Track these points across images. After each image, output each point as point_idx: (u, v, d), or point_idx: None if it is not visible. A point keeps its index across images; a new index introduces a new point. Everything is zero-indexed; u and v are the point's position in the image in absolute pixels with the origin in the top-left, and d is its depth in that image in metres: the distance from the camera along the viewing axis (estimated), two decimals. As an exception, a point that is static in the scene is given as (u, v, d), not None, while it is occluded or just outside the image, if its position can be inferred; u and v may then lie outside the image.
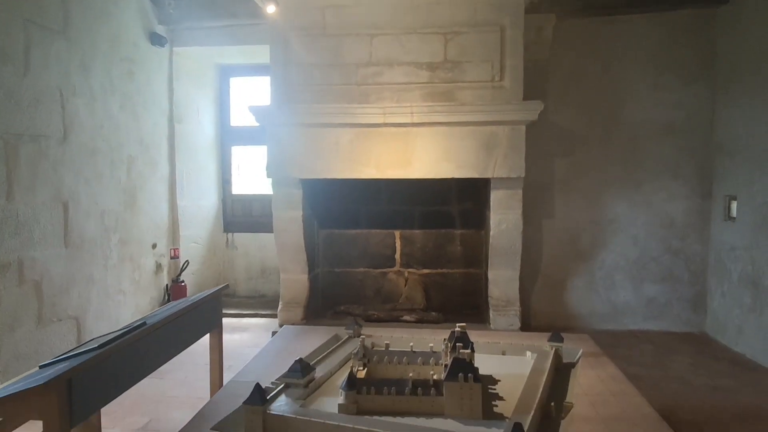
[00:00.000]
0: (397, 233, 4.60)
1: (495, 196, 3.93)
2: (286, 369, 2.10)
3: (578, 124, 4.32)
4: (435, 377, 2.00)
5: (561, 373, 2.21)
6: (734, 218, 3.87)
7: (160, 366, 2.13)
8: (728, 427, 2.59)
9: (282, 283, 4.30)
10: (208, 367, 2.77)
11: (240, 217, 5.48)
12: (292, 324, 4.21)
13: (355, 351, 2.08)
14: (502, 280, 4.12)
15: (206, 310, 2.48)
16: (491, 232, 3.99)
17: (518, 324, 4.05)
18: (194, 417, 1.76)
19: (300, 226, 4.14)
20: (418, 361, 2.05)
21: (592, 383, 2.02)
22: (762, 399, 2.96)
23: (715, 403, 2.90)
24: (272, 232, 4.20)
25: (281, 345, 2.48)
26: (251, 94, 5.61)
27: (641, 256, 4.28)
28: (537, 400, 1.80)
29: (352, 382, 1.77)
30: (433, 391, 1.77)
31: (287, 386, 1.90)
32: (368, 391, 1.78)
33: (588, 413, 1.76)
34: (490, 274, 4.13)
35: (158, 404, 2.89)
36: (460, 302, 4.56)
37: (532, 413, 1.71)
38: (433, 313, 4.26)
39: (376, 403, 1.77)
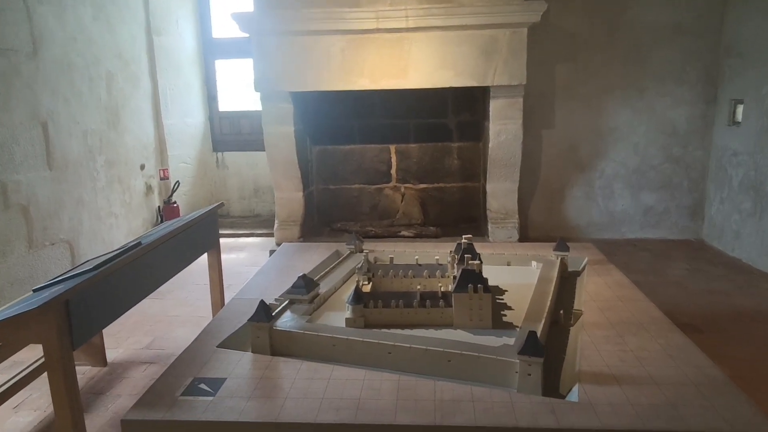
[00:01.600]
0: (392, 148, 4.47)
1: (494, 106, 3.78)
2: (288, 286, 2.05)
3: (581, 27, 4.09)
4: (442, 289, 1.97)
5: (567, 281, 2.20)
6: (739, 123, 3.77)
7: (159, 286, 2.08)
8: (725, 329, 2.63)
9: (276, 201, 4.22)
10: (208, 286, 2.74)
11: (229, 135, 5.30)
12: (289, 242, 4.19)
13: (359, 266, 2.03)
14: (501, 192, 4.06)
15: (203, 229, 2.40)
16: (490, 144, 3.88)
17: (517, 236, 4.04)
18: (199, 335, 1.73)
19: (292, 142, 3.99)
20: (424, 274, 2.01)
21: (599, 290, 2.00)
22: (757, 301, 3.00)
23: (712, 306, 2.93)
24: (263, 150, 4.07)
25: (281, 262, 2.43)
26: (233, 2, 5.25)
27: (641, 164, 4.21)
28: (547, 309, 1.78)
29: (358, 296, 1.73)
30: (441, 302, 1.74)
31: (291, 302, 1.86)
32: (375, 304, 1.74)
33: (598, 319, 1.75)
34: (489, 187, 4.06)
35: (160, 323, 2.88)
36: (458, 216, 4.52)
37: (543, 321, 1.69)
38: (431, 228, 4.23)
39: (384, 317, 1.74)
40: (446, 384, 1.41)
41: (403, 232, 4.22)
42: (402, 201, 4.52)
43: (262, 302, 1.66)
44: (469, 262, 1.74)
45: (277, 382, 1.45)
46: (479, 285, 1.70)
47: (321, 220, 4.56)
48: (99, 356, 2.44)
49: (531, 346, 1.41)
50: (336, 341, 1.61)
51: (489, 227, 4.06)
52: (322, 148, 4.48)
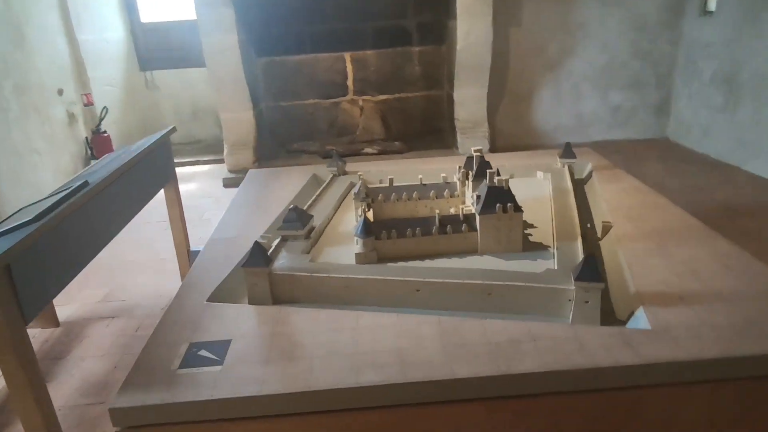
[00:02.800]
0: (347, 56, 4.06)
1: (462, 1, 3.43)
2: (268, 220, 1.77)
3: None
4: (453, 211, 1.74)
5: (577, 191, 2.02)
6: (711, 12, 3.61)
7: (116, 233, 1.74)
8: (723, 226, 2.59)
9: (223, 124, 3.79)
10: (165, 225, 2.40)
11: (157, 51, 4.66)
12: (243, 168, 3.81)
13: (356, 191, 1.75)
14: (469, 99, 3.81)
15: (157, 160, 2.03)
16: (458, 46, 3.56)
17: (488, 146, 3.84)
18: (180, 289, 1.44)
19: (237, 54, 3.52)
20: (431, 194, 1.77)
21: (618, 198, 1.83)
22: (740, 195, 2.99)
23: (700, 204, 2.89)
24: (199, 66, 3.57)
25: (253, 192, 2.11)
26: None
27: (610, 62, 4.04)
28: (578, 224, 1.60)
29: (368, 227, 1.48)
30: (464, 227, 1.51)
31: (284, 240, 1.58)
32: (389, 235, 1.50)
33: (629, 231, 1.59)
34: (456, 95, 3.79)
35: (116, 271, 2.54)
36: (422, 128, 4.26)
37: (579, 239, 1.51)
38: (396, 143, 3.95)
39: (399, 248, 1.51)
40: (494, 323, 1.21)
41: (367, 150, 3.93)
42: (361, 115, 4.19)
43: (257, 243, 1.38)
44: (496, 178, 1.50)
45: (295, 339, 1.20)
46: (509, 204, 1.48)
47: (275, 141, 4.17)
48: (48, 316, 2.10)
49: (589, 270, 1.22)
50: (350, 282, 1.37)
51: (458, 138, 3.83)
52: (268, 60, 4.01)
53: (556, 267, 1.38)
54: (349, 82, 4.12)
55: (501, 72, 4.02)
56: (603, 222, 1.66)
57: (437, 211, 1.55)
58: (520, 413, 1.08)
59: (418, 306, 1.34)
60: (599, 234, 1.66)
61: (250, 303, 1.40)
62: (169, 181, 2.15)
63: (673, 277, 1.33)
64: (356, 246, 1.49)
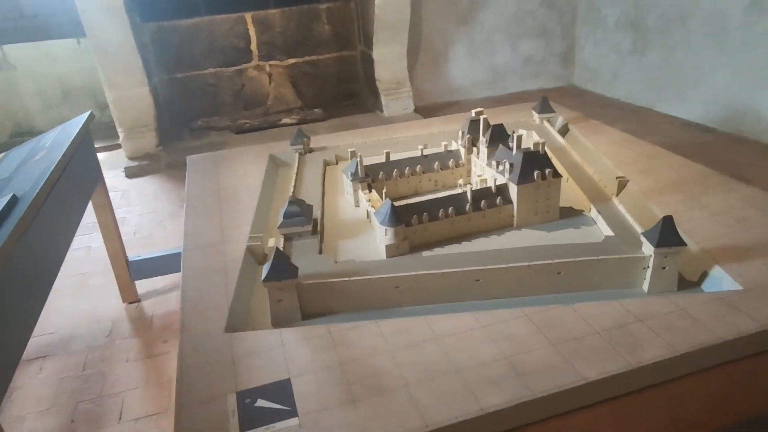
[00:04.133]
0: (248, 17, 3.64)
1: (378, -48, 3.18)
2: (245, 218, 1.49)
3: None
4: (461, 183, 1.58)
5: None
6: (611, -42, 3.70)
7: (60, 266, 1.34)
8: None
9: (113, 104, 3.23)
10: (88, 236, 1.97)
11: (6, 21, 3.84)
12: (146, 154, 3.31)
13: (351, 170, 1.52)
14: (390, 58, 3.60)
15: (84, 157, 1.60)
16: (376, 1, 3.31)
17: (412, 106, 3.69)
18: (183, 322, 1.13)
19: (124, 19, 2.99)
20: (435, 166, 1.58)
21: (615, 151, 1.78)
22: (666, 136, 3.14)
23: (634, 148, 2.98)
24: (64, 38, 2.99)
25: (207, 185, 1.77)
26: None
27: (518, 11, 4.03)
28: (599, 182, 1.51)
29: (397, 213, 1.26)
30: (499, 200, 1.35)
31: (288, 239, 1.32)
32: (420, 219, 1.29)
33: (650, 184, 1.53)
34: (376, 54, 3.56)
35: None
36: (337, 92, 3.99)
37: (613, 198, 1.42)
38: (316, 111, 3.66)
39: (431, 233, 1.32)
40: (585, 306, 1.08)
41: (285, 120, 3.60)
42: (271, 83, 3.81)
43: (278, 250, 1.11)
44: (537, 141, 1.35)
45: (370, 363, 0.97)
46: (547, 170, 1.34)
47: (174, 120, 3.67)
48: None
49: (670, 233, 1.12)
50: (401, 281, 1.16)
51: (382, 100, 3.63)
52: (156, 26, 3.47)
53: (608, 233, 1.27)
54: (253, 47, 3.70)
55: (415, 28, 3.85)
56: (617, 177, 1.58)
57: (461, 183, 1.37)
58: (646, 405, 0.97)
59: (480, 297, 1.18)
60: (615, 191, 1.59)
61: (274, 324, 1.14)
62: (98, 184, 1.73)
63: (724, 229, 1.29)
64: (384, 237, 1.27)
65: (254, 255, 1.36)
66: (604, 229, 1.30)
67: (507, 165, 1.36)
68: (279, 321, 1.15)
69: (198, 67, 3.61)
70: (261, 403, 0.90)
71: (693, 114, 3.28)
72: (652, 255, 1.13)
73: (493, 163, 1.45)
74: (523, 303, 1.15)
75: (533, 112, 2.05)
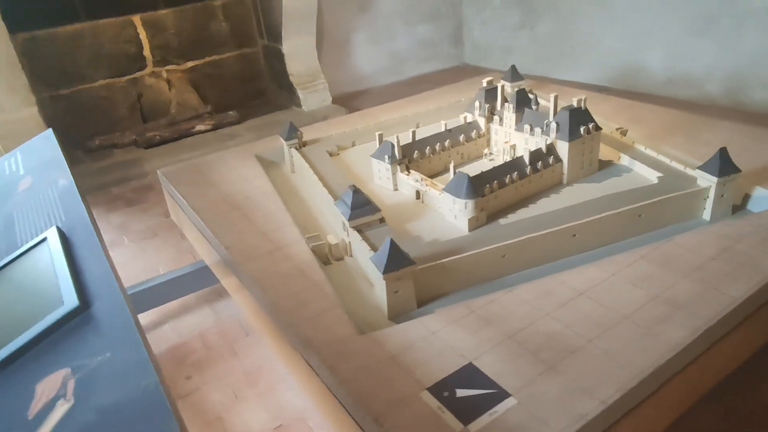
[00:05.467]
0: (136, 19, 3.28)
1: (281, -60, 3.04)
2: (273, 225, 1.38)
3: None
4: (487, 152, 1.60)
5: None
6: (490, -60, 3.93)
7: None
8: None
9: (-7, 130, 2.74)
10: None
11: None
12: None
13: (388, 154, 1.46)
14: (300, 51, 3.49)
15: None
16: (284, -9, 3.18)
17: (330, 98, 3.62)
18: (301, 330, 1.00)
19: (2, 27, 2.53)
20: (461, 139, 1.58)
21: (593, 107, 1.91)
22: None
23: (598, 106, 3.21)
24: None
25: (207, 195, 1.58)
26: None
27: (411, -4, 4.12)
28: (612, 131, 1.61)
29: (474, 186, 1.24)
30: (552, 159, 1.39)
31: (360, 231, 1.24)
32: (491, 189, 1.29)
33: (648, 131, 1.67)
34: (286, 47, 3.43)
35: None
36: (243, 93, 3.77)
37: (634, 144, 1.52)
38: (231, 113, 3.42)
39: (500, 200, 1.32)
40: (682, 239, 1.16)
41: (199, 127, 3.32)
42: (171, 89, 3.49)
43: (392, 241, 1.03)
44: (577, 98, 1.39)
45: (539, 329, 0.95)
46: (591, 124, 1.40)
47: (64, 142, 3.19)
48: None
49: (727, 163, 1.25)
50: (507, 249, 1.15)
51: (299, 94, 3.50)
52: (30, 36, 2.99)
53: (656, 175, 1.36)
54: (147, 52, 3.35)
55: (317, 18, 3.76)
56: (617, 128, 1.70)
57: (487, 152, 1.38)
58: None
59: (575, 252, 1.21)
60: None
61: (391, 317, 1.07)
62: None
63: (737, 158, 1.44)
64: (464, 210, 1.24)
65: (318, 255, 1.25)
66: (646, 172, 1.40)
67: (547, 126, 1.40)
68: (396, 313, 1.08)
69: (85, 79, 3.18)
70: (462, 392, 0.84)
71: (587, 77, 3.62)
72: (714, 185, 1.24)
73: (526, 126, 1.48)
74: (614, 250, 1.20)
75: (504, 83, 2.12)
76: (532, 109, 1.52)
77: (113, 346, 0.67)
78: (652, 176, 1.37)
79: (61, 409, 0.61)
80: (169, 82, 3.47)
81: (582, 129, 1.38)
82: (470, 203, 1.23)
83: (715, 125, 1.67)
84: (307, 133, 1.84)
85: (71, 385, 0.64)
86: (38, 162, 1.31)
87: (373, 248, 1.15)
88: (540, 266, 1.18)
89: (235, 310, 1.71)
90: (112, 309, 0.73)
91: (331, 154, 1.72)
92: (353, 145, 1.82)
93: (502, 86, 1.60)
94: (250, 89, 3.79)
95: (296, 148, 1.73)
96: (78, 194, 1.05)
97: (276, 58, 3.56)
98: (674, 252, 1.11)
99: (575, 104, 1.39)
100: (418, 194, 1.42)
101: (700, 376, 0.95)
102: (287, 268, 1.19)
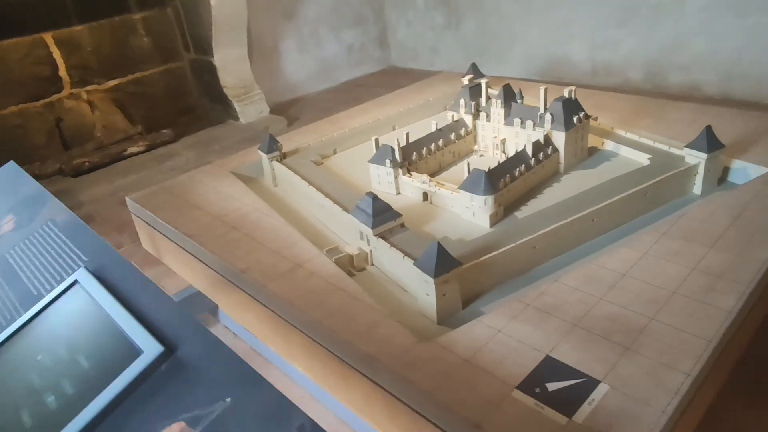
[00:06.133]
0: (48, 38, 3.01)
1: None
2: (285, 239, 1.33)
3: None
4: (476, 148, 1.63)
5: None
6: (408, -56, 3.99)
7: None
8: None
9: None
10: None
11: None
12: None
13: (389, 158, 1.43)
14: (232, 62, 3.36)
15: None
16: (212, 1, 3.04)
17: (267, 108, 3.51)
18: (360, 343, 0.95)
19: None
20: (452, 137, 1.58)
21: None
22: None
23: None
24: None
25: (194, 218, 1.47)
26: None
27: (335, 1, 4.09)
28: (591, 119, 1.69)
29: (491, 182, 1.25)
30: (550, 149, 1.43)
31: (383, 238, 1.21)
32: (505, 183, 1.30)
33: (611, 117, 1.76)
34: (217, 59, 3.28)
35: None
36: (171, 110, 3.56)
37: (613, 130, 1.60)
38: (165, 131, 3.23)
39: (511, 193, 1.34)
40: (691, 211, 1.23)
41: (131, 149, 3.10)
42: (94, 111, 3.23)
43: (439, 244, 1.02)
44: (567, 89, 1.44)
45: (599, 313, 0.97)
46: (581, 113, 1.45)
47: (-25, 178, 2.86)
48: None
49: (713, 139, 1.34)
50: (537, 240, 1.16)
51: (236, 107, 3.37)
52: (-76, 63, 2.65)
53: (647, 156, 1.44)
54: (62, 73, 3.08)
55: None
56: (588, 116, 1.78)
57: (476, 148, 1.40)
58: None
59: (596, 235, 1.25)
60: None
61: (440, 321, 1.05)
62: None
63: (733, 132, 1.55)
64: (483, 207, 1.25)
65: (341, 266, 1.20)
66: (635, 155, 1.48)
67: (541, 118, 1.44)
68: (445, 316, 1.06)
69: (-7, 107, 2.86)
70: (552, 386, 0.84)
71: (516, 71, 3.77)
72: (704, 161, 1.33)
73: (516, 120, 1.51)
74: (629, 230, 1.26)
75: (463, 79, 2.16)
76: (518, 103, 1.56)
77: (229, 390, 0.60)
78: (641, 158, 1.45)
79: (196, 469, 0.54)
80: (90, 103, 3.21)
81: (575, 118, 1.43)
82: (490, 199, 1.24)
83: (677, 106, 1.79)
84: (303, 136, 1.78)
85: (195, 439, 0.56)
86: (10, 199, 1.16)
87: (406, 254, 1.12)
88: (565, 253, 1.21)
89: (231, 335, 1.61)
90: (203, 350, 0.66)
91: (315, 164, 1.67)
92: (335, 152, 1.77)
93: (487, 83, 1.62)
94: (178, 106, 3.59)
95: (278, 161, 1.66)
96: (91, 229, 0.94)
97: (206, 72, 3.40)
98: (691, 226, 1.17)
99: (566, 95, 1.43)
100: (425, 196, 1.40)
101: (743, 336, 1.02)
102: (317, 283, 1.14)
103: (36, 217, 1.05)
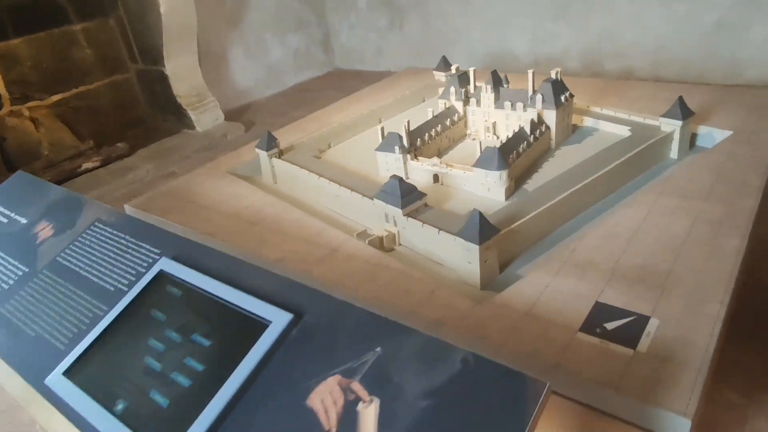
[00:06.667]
0: (-17, 53, 2.84)
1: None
2: (310, 229, 1.38)
3: None
4: (469, 132, 1.73)
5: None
6: (346, -52, 4.06)
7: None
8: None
9: None
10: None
11: None
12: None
13: (397, 145, 1.50)
14: (185, 70, 3.30)
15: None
16: (162, 9, 2.97)
17: (222, 115, 3.47)
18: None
19: None
20: (447, 124, 1.67)
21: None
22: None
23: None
24: None
25: (207, 219, 1.46)
26: None
27: (278, 6, 4.09)
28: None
29: (504, 158, 1.35)
30: (544, 127, 1.55)
31: (412, 216, 1.27)
32: (513, 159, 1.41)
33: (582, 100, 1.92)
34: (169, 68, 3.22)
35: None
36: (120, 123, 3.44)
37: (589, 107, 1.75)
38: (120, 145, 3.12)
39: (516, 169, 1.45)
40: (681, 170, 1.38)
41: (86, 165, 2.98)
42: (39, 128, 3.07)
43: (480, 214, 1.10)
44: (554, 71, 1.56)
45: (628, 263, 1.08)
46: (567, 92, 1.58)
47: None
48: None
49: (685, 108, 1.50)
50: (555, 207, 1.27)
51: (191, 116, 3.31)
52: None
53: (626, 128, 1.59)
54: (1, 89, 2.91)
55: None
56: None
57: (469, 132, 1.50)
58: None
59: (597, 200, 1.37)
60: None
61: (483, 286, 1.14)
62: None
63: (667, 103, 1.73)
64: (499, 181, 1.35)
65: (374, 246, 1.26)
66: (614, 129, 1.62)
67: (532, 99, 1.56)
68: (486, 281, 1.14)
69: (-72, 129, 2.66)
70: (610, 325, 0.94)
71: (461, 67, 3.93)
72: (679, 128, 1.49)
73: (506, 103, 1.62)
74: (622, 195, 1.39)
75: (435, 73, 2.25)
76: (505, 87, 1.67)
77: (374, 342, 0.65)
78: (622, 131, 1.60)
79: (369, 411, 0.58)
80: (34, 120, 3.05)
81: (562, 98, 1.55)
82: (504, 174, 1.34)
83: (635, 85, 1.98)
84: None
85: (356, 387, 0.61)
86: (36, 206, 1.12)
87: (442, 228, 1.19)
88: (575, 218, 1.32)
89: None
90: (331, 312, 0.70)
91: (317, 158, 1.70)
92: (329, 147, 1.81)
93: (474, 71, 1.72)
94: (127, 118, 3.47)
95: (274, 156, 1.68)
96: (152, 225, 0.94)
97: (157, 82, 3.32)
98: (680, 185, 1.32)
99: (553, 76, 1.56)
100: (436, 178, 1.48)
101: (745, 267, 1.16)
102: (359, 265, 1.18)
103: (77, 219, 1.03)
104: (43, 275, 0.93)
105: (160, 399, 0.67)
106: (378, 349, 0.63)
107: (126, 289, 0.83)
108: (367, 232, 1.31)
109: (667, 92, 1.85)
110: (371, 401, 0.59)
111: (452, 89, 1.72)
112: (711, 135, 1.58)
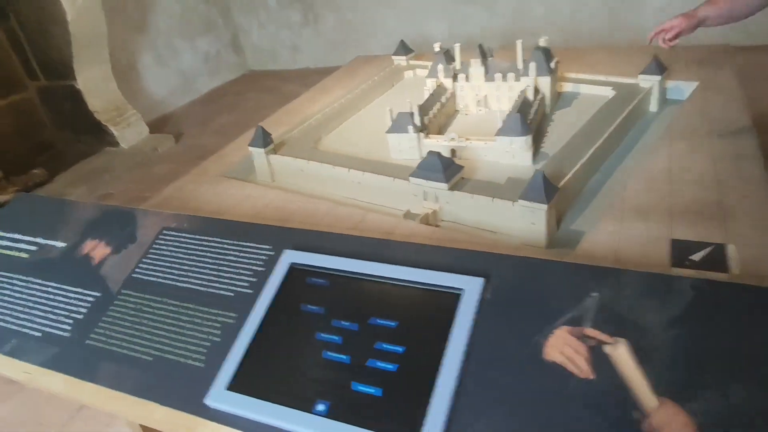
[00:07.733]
0: None
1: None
2: (350, 218, 1.35)
3: None
4: (462, 107, 1.77)
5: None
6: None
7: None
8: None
9: None
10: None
11: None
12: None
13: (410, 124, 1.49)
14: (99, 83, 3.02)
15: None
16: (68, 16, 2.69)
17: (146, 128, 3.22)
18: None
19: None
20: (443, 101, 1.69)
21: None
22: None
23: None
24: None
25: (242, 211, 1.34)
26: None
27: (184, 11, 3.86)
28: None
29: (525, 123, 1.39)
30: (540, 94, 1.61)
31: (457, 189, 1.27)
32: (531, 128, 1.46)
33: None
34: (81, 82, 2.93)
35: None
36: (26, 148, 3.07)
37: (568, 74, 1.84)
38: (36, 171, 2.79)
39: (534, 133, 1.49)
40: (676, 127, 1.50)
41: (3, 198, 2.63)
42: (-69, 164, 2.65)
43: (543, 174, 1.12)
44: (542, 39, 1.62)
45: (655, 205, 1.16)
46: (555, 60, 1.65)
47: None
48: None
49: (660, 65, 1.64)
50: (586, 164, 1.33)
51: (113, 131, 3.03)
52: None
53: (608, 89, 1.69)
54: None
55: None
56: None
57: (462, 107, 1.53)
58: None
59: (612, 152, 1.46)
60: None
61: (548, 245, 1.17)
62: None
63: (633, 68, 1.87)
64: (524, 146, 1.38)
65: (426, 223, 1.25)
66: (597, 90, 1.72)
67: (525, 67, 1.61)
68: (551, 239, 1.17)
69: None
70: (696, 256, 1.00)
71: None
72: (658, 83, 1.62)
73: (497, 75, 1.66)
74: (631, 144, 1.49)
75: (394, 58, 2.25)
76: (491, 59, 1.71)
77: (585, 287, 0.64)
78: (605, 92, 1.70)
79: (621, 351, 0.58)
80: (-76, 155, 2.63)
81: (552, 64, 1.62)
82: (529, 138, 1.37)
83: (589, 52, 2.11)
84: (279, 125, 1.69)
85: (593, 332, 0.60)
86: (67, 225, 0.98)
87: (491, 196, 1.20)
88: (597, 172, 1.39)
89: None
90: (515, 271, 0.68)
91: (316, 144, 1.64)
92: (320, 138, 1.75)
93: (459, 47, 1.74)
94: (33, 143, 3.10)
95: (271, 152, 1.60)
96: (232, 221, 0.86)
97: (66, 99, 3.00)
98: (680, 131, 1.44)
99: (541, 44, 1.62)
100: (452, 152, 1.48)
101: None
102: (427, 242, 1.16)
103: (134, 231, 0.91)
104: (123, 296, 0.80)
105: (370, 389, 0.61)
106: (595, 293, 0.62)
107: (251, 291, 0.74)
108: (410, 212, 1.28)
109: (623, 56, 1.99)
110: (616, 342, 0.58)
111: (440, 67, 1.73)
112: (678, 87, 1.73)
